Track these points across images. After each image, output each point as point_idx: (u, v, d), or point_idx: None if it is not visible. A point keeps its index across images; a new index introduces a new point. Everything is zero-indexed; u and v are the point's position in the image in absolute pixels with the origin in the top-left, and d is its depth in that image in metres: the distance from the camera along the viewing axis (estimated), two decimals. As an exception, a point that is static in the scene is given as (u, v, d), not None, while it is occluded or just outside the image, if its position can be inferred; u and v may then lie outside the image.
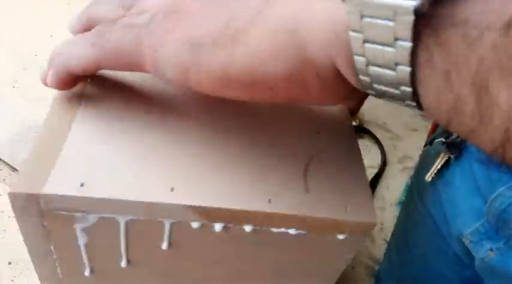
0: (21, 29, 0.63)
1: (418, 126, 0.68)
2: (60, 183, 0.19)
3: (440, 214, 0.31)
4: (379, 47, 0.13)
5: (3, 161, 0.46)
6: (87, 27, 0.21)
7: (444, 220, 0.30)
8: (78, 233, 0.21)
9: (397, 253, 0.38)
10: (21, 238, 0.41)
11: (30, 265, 0.38)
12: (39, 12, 0.67)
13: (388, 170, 0.60)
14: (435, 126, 0.44)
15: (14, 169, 0.46)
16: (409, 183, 0.53)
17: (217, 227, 0.20)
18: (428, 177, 0.32)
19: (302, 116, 0.25)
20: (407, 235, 0.37)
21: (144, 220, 0.20)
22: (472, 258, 0.28)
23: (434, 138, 0.31)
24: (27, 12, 0.66)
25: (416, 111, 0.14)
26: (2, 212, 0.42)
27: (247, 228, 0.21)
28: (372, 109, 0.66)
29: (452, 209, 0.29)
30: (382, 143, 0.62)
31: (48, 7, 0.68)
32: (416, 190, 0.35)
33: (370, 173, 0.58)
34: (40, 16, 0.66)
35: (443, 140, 0.29)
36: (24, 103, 0.52)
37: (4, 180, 0.45)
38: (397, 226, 0.39)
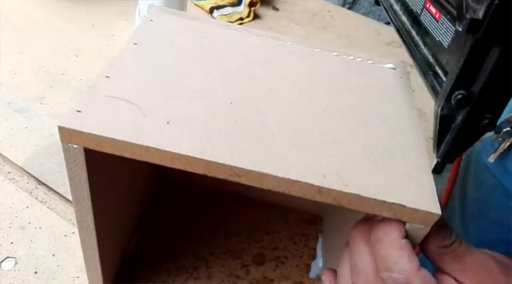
0: (51, 48, 0.66)
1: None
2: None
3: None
4: None
5: (31, 174, 0.49)
6: None
7: None
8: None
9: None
10: (46, 248, 0.43)
11: (55, 274, 0.40)
12: (67, 33, 0.70)
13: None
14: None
15: (41, 182, 0.48)
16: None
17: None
18: (492, 159, 0.44)
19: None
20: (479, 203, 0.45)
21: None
22: None
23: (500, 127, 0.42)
24: (56, 33, 0.70)
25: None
26: (29, 223, 0.44)
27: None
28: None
29: None
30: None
31: (74, 29, 0.72)
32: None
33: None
34: (67, 37, 0.70)
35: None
36: (50, 119, 0.55)
37: (31, 192, 0.47)
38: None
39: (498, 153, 0.43)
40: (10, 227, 0.44)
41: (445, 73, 0.25)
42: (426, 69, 0.27)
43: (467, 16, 0.20)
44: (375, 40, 0.91)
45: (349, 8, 1.55)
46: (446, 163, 0.25)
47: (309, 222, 0.49)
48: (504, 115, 0.49)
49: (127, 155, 0.25)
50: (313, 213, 0.50)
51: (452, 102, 0.22)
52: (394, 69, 0.36)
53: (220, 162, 0.25)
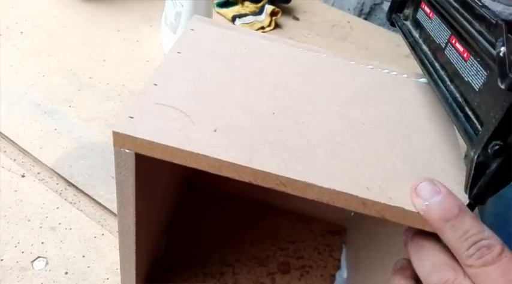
0: (79, 52, 0.68)
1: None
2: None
3: None
4: None
5: (60, 175, 0.49)
6: None
7: None
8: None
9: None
10: (77, 249, 0.43)
11: (86, 275, 0.41)
12: (93, 38, 0.72)
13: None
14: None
15: (70, 184, 0.49)
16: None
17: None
18: None
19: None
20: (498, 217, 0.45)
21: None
22: None
23: None
24: (83, 38, 0.71)
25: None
26: (59, 224, 0.45)
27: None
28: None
29: None
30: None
31: (100, 34, 0.73)
32: None
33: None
34: (94, 42, 0.71)
35: None
36: (79, 122, 0.56)
37: (61, 193, 0.48)
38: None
39: None
40: (41, 227, 0.44)
41: (477, 116, 0.26)
42: (456, 111, 0.28)
43: (511, 75, 0.21)
44: (394, 51, 0.92)
45: (365, 19, 1.56)
46: (478, 204, 0.26)
47: (333, 232, 0.50)
48: None
49: (176, 161, 0.26)
50: (337, 223, 0.50)
51: (489, 151, 0.23)
52: (428, 83, 0.37)
53: (267, 171, 0.25)
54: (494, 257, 0.22)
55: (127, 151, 0.26)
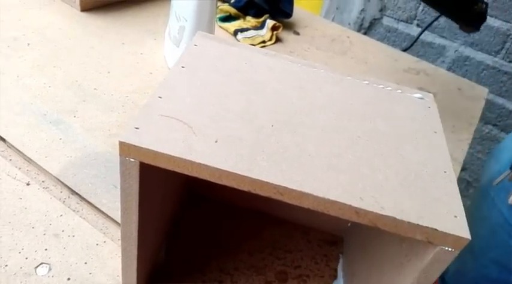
0: (84, 64, 0.69)
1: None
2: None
3: None
4: None
5: (64, 184, 0.51)
6: None
7: None
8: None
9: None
10: (79, 256, 0.44)
11: (88, 282, 0.42)
12: (98, 50, 0.74)
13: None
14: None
15: (74, 192, 0.50)
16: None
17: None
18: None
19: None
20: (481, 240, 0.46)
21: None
22: None
23: None
24: (88, 50, 0.73)
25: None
26: (63, 231, 0.46)
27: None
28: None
29: None
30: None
31: (105, 46, 0.75)
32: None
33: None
34: (99, 54, 0.73)
35: None
36: (84, 132, 0.57)
37: (64, 201, 0.49)
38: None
39: None
40: (45, 234, 0.45)
41: None
42: None
43: None
44: (392, 66, 0.94)
45: (365, 33, 1.58)
46: None
47: (330, 243, 0.51)
48: None
49: (179, 170, 0.27)
50: (334, 233, 0.51)
51: None
52: (422, 99, 0.38)
53: (265, 180, 0.27)
54: None
55: (132, 160, 0.27)
